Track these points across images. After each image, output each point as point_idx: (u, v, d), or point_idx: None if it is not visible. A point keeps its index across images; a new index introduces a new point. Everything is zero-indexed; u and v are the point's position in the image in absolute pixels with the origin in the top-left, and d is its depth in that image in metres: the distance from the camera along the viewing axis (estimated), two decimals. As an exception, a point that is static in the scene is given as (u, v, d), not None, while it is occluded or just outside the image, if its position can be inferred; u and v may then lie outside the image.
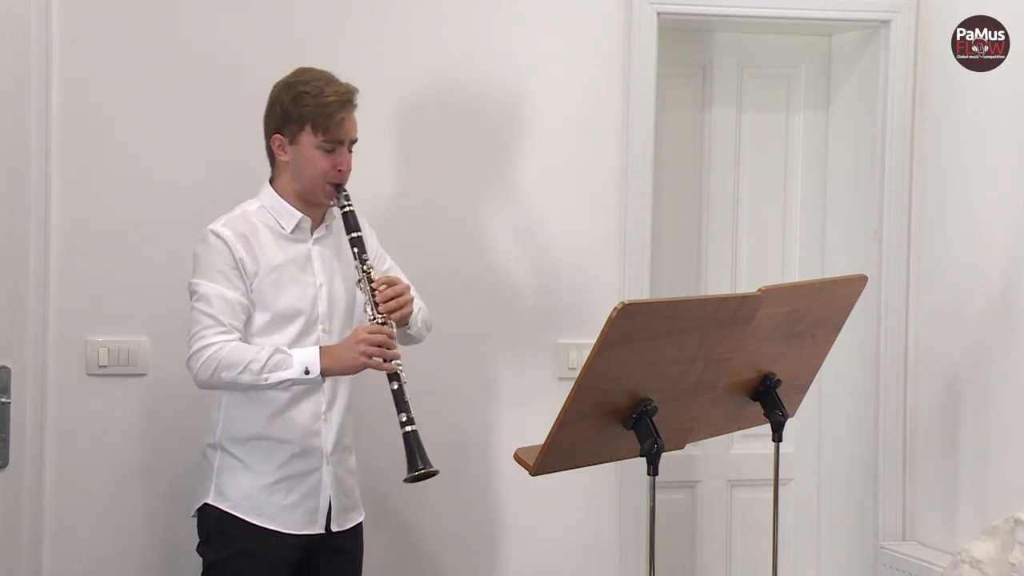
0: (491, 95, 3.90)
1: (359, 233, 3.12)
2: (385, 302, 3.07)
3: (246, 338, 3.07)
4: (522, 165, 3.93)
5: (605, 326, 2.46)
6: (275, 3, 3.77)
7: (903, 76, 4.08)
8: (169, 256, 3.62)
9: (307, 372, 3.00)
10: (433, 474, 2.96)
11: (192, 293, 3.07)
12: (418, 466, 2.94)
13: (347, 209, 3.12)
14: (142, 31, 3.68)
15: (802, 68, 4.41)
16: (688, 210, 4.36)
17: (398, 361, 3.01)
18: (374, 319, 3.05)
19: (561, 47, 3.94)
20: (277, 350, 3.01)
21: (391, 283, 3.11)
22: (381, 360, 3.00)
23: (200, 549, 3.17)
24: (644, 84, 3.96)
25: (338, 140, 3.10)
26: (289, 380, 3.00)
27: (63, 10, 3.60)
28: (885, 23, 4.10)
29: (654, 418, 2.64)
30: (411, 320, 3.20)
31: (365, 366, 3.02)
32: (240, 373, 2.98)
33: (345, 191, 3.13)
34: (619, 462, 3.66)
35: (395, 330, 3.09)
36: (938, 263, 3.98)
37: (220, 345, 2.99)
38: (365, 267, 3.09)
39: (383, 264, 3.32)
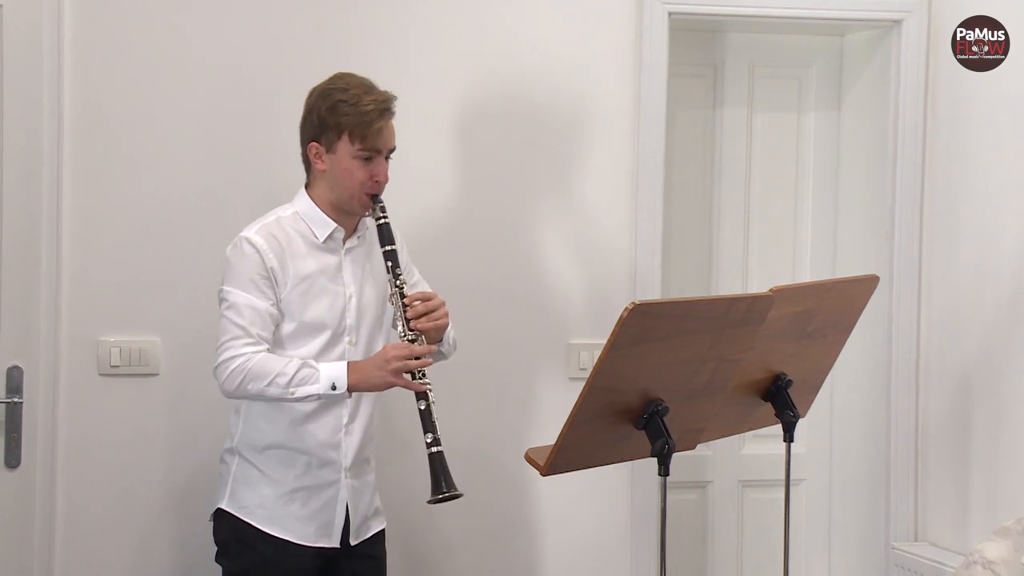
0: (500, 95, 3.90)
1: (394, 247, 3.07)
2: (417, 318, 3.02)
3: (273, 347, 3.03)
4: (532, 165, 3.92)
5: (616, 326, 2.46)
6: (283, 5, 3.77)
7: (915, 76, 4.07)
8: (181, 256, 3.64)
9: (334, 388, 2.96)
10: (457, 496, 2.91)
11: (222, 301, 3.02)
12: (442, 489, 2.90)
13: (382, 221, 3.08)
14: (154, 32, 3.68)
15: (814, 68, 4.41)
16: (699, 210, 4.36)
17: (427, 380, 2.97)
18: (404, 336, 3.01)
19: (571, 47, 3.93)
20: (305, 364, 2.97)
21: (425, 298, 3.07)
22: (410, 378, 2.96)
23: (218, 559, 3.15)
24: (655, 84, 3.95)
25: (376, 149, 3.04)
26: (316, 395, 2.96)
27: (75, 12, 3.60)
28: (897, 23, 4.09)
29: (665, 418, 2.64)
30: (444, 337, 3.16)
31: (393, 385, 2.98)
32: (267, 386, 2.94)
33: (381, 202, 3.08)
34: (630, 462, 3.65)
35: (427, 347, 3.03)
36: (950, 263, 3.98)
37: (248, 356, 2.95)
38: (398, 282, 3.04)
39: (411, 278, 3.25)
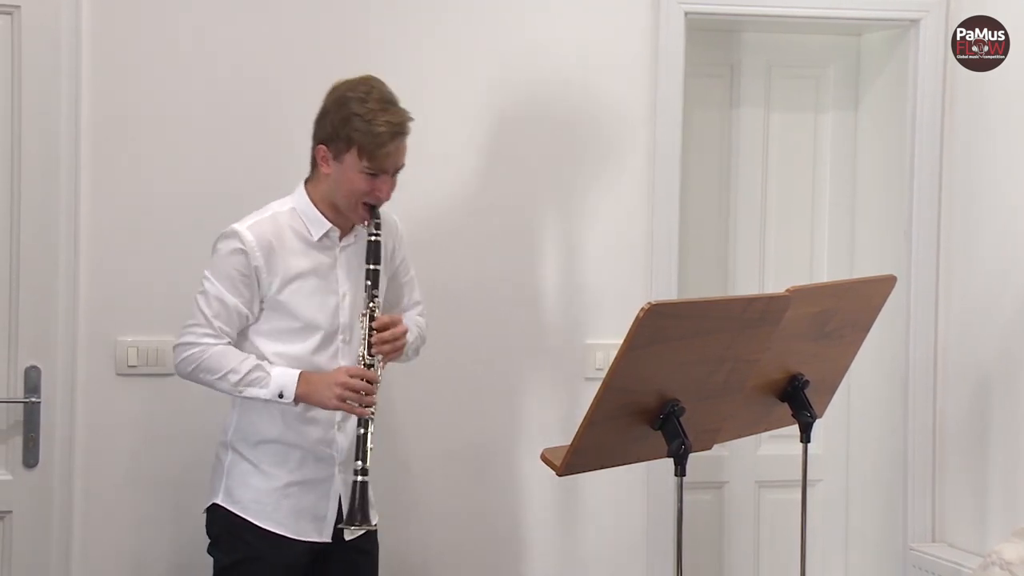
0: (517, 95, 3.90)
1: (377, 267, 3.06)
2: (380, 344, 3.04)
3: (261, 342, 3.06)
4: (548, 165, 3.92)
5: (632, 326, 2.45)
6: (302, 7, 3.78)
7: (933, 75, 4.06)
8: (198, 257, 3.62)
9: (281, 396, 2.98)
10: (370, 530, 3.04)
11: (202, 283, 3.06)
12: (355, 520, 2.96)
13: (373, 238, 3.07)
14: (172, 33, 3.69)
15: (831, 68, 4.40)
16: (716, 210, 4.35)
17: (372, 408, 2.99)
18: (362, 359, 3.03)
19: (588, 46, 3.93)
20: (258, 366, 3.00)
21: (391, 325, 3.07)
22: (355, 405, 2.98)
23: (210, 550, 3.17)
24: (672, 84, 3.95)
25: (383, 169, 3.02)
26: (263, 400, 2.99)
27: (92, 12, 3.61)
28: (915, 22, 4.08)
29: (681, 419, 2.63)
30: (402, 355, 3.19)
31: (337, 408, 3.01)
32: (218, 379, 3.00)
33: (378, 218, 3.07)
34: (646, 463, 3.65)
35: (381, 371, 3.06)
36: (968, 264, 3.96)
37: (205, 347, 3.00)
38: (372, 304, 3.05)
39: (405, 276, 3.30)
